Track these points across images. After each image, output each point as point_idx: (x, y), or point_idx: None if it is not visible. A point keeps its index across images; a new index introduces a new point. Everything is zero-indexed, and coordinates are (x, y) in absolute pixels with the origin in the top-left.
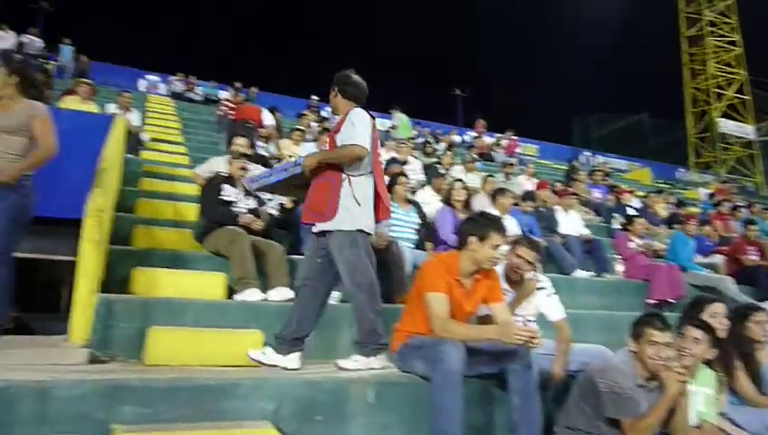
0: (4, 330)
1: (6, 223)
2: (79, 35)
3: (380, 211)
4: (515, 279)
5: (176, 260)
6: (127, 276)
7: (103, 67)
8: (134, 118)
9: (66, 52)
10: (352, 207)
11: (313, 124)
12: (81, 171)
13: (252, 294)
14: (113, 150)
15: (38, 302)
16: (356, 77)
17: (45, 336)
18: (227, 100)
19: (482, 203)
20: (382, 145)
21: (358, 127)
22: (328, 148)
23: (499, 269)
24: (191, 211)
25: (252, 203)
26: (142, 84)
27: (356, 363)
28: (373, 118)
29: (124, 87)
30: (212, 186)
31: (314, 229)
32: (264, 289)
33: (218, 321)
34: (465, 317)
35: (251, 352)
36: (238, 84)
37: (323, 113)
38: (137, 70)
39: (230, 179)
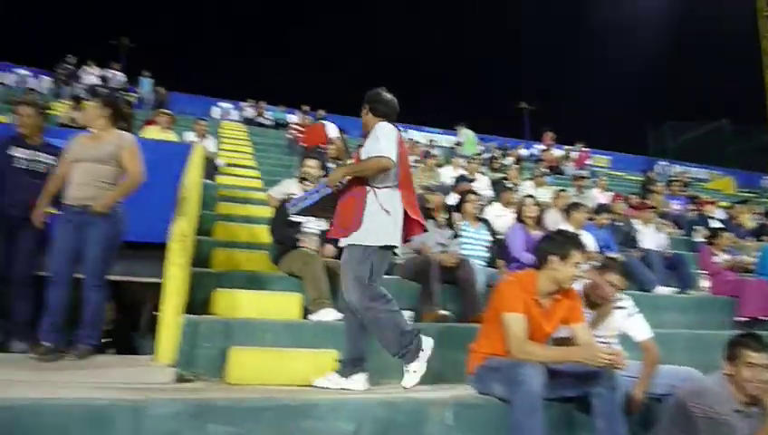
0: (96, 349)
1: (102, 251)
2: (157, 68)
3: (412, 227)
4: (599, 303)
5: (253, 281)
6: (208, 297)
7: (180, 97)
8: (210, 144)
9: (146, 84)
10: (377, 219)
11: None
12: (164, 197)
13: (327, 314)
14: (192, 177)
15: (121, 321)
16: (387, 95)
17: (133, 356)
18: (296, 123)
19: (554, 219)
20: (449, 162)
21: (382, 139)
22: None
23: (577, 287)
24: (266, 233)
25: (324, 225)
26: (216, 111)
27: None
28: (399, 131)
29: (199, 115)
30: (282, 208)
31: (340, 244)
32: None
33: (295, 341)
34: (545, 338)
35: (316, 381)
36: (306, 108)
37: None
38: (210, 98)
39: None
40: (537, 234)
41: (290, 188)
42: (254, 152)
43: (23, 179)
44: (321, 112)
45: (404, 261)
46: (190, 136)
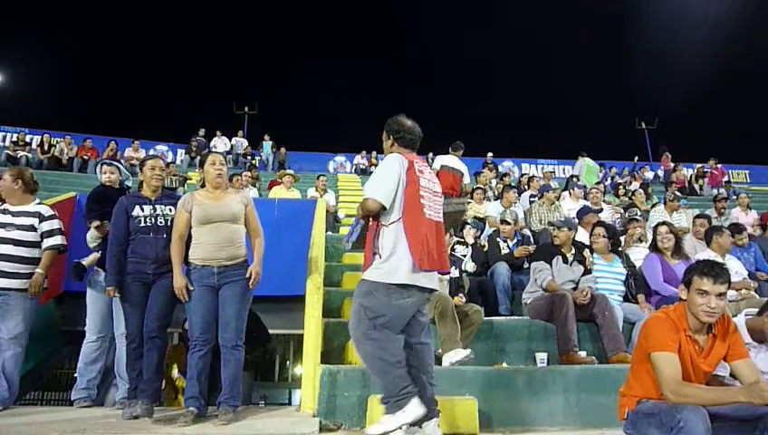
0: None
1: (240, 310)
2: (277, 131)
3: (425, 260)
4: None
5: None
6: (342, 347)
7: (297, 155)
8: (330, 198)
9: (266, 147)
10: (381, 257)
11: (493, 181)
12: (294, 252)
13: (456, 355)
14: (318, 231)
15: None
16: (410, 122)
17: (278, 406)
18: None
19: (692, 245)
20: (566, 189)
21: (376, 176)
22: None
23: (740, 321)
24: None
25: (454, 272)
26: (331, 165)
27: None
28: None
29: (317, 170)
30: None
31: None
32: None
33: None
34: (703, 378)
35: (369, 430)
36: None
37: (501, 168)
38: (325, 153)
39: None
40: (677, 263)
41: None
42: None
43: (147, 236)
44: (430, 155)
45: (532, 301)
46: (311, 192)
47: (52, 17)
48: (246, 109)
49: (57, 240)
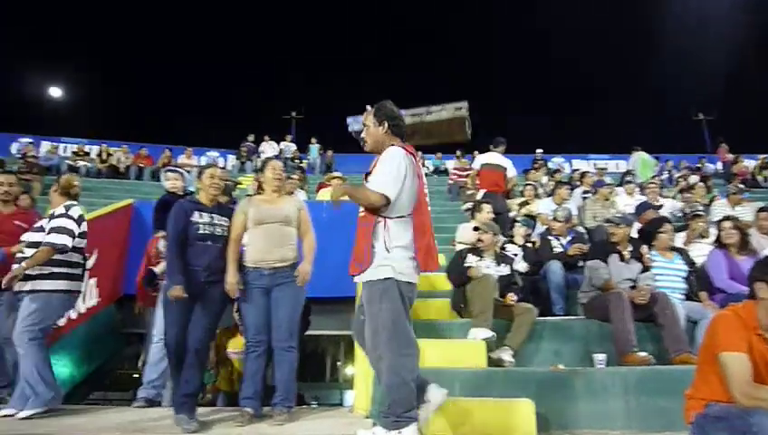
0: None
1: (294, 311)
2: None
3: (428, 260)
4: None
5: (434, 329)
6: None
7: (344, 157)
8: None
9: (314, 150)
10: (387, 253)
11: (544, 178)
12: (344, 254)
13: (481, 333)
14: None
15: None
16: (397, 110)
17: (327, 406)
18: (456, 168)
19: (756, 239)
20: (620, 185)
21: (388, 170)
22: None
23: None
24: (442, 281)
25: (504, 269)
26: None
27: None
28: (412, 154)
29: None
30: (458, 255)
31: (355, 280)
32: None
33: (484, 390)
34: None
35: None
36: (459, 152)
37: (550, 164)
38: (372, 154)
39: (474, 249)
40: (743, 259)
41: (465, 233)
42: None
43: (204, 244)
44: (476, 154)
45: (588, 300)
46: None
47: (106, 32)
48: (294, 113)
49: (52, 238)
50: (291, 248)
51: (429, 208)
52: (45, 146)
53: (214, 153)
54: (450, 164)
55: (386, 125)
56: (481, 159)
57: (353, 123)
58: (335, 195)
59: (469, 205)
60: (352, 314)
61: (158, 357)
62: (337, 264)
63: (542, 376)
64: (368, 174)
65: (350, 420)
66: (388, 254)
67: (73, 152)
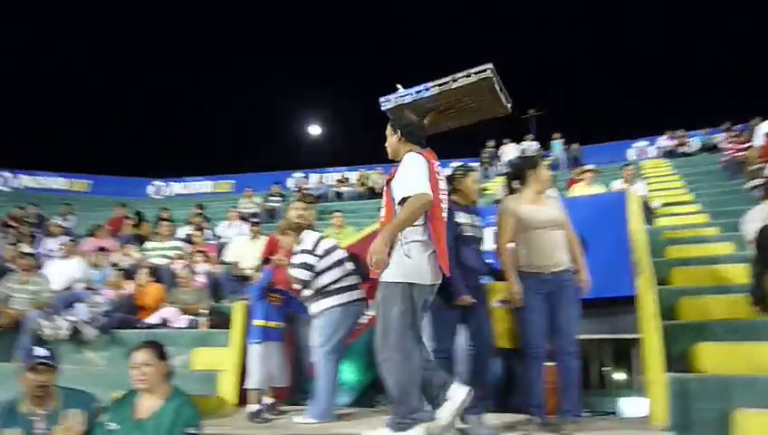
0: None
1: (575, 315)
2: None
3: (442, 266)
4: None
5: (734, 330)
6: (684, 352)
7: (591, 149)
8: (639, 188)
9: (556, 146)
10: (403, 257)
11: None
12: (609, 251)
13: None
14: (635, 225)
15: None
16: (415, 117)
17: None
18: (732, 141)
19: None
20: None
21: (415, 173)
22: (385, 200)
23: None
24: (734, 273)
25: None
26: (631, 153)
27: None
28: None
29: (617, 162)
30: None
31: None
32: None
33: None
34: None
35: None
36: (727, 124)
37: None
38: (623, 141)
39: None
40: None
41: (758, 216)
42: (685, 185)
43: (473, 247)
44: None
45: None
46: (617, 184)
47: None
48: (532, 111)
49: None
50: (565, 251)
51: (445, 216)
52: (314, 178)
53: (455, 164)
54: (720, 138)
55: (399, 133)
56: (764, 127)
57: (385, 102)
58: (378, 249)
59: (758, 181)
60: (619, 316)
61: None
62: (600, 262)
63: None
64: (389, 180)
65: (649, 432)
66: (403, 257)
67: (337, 180)
